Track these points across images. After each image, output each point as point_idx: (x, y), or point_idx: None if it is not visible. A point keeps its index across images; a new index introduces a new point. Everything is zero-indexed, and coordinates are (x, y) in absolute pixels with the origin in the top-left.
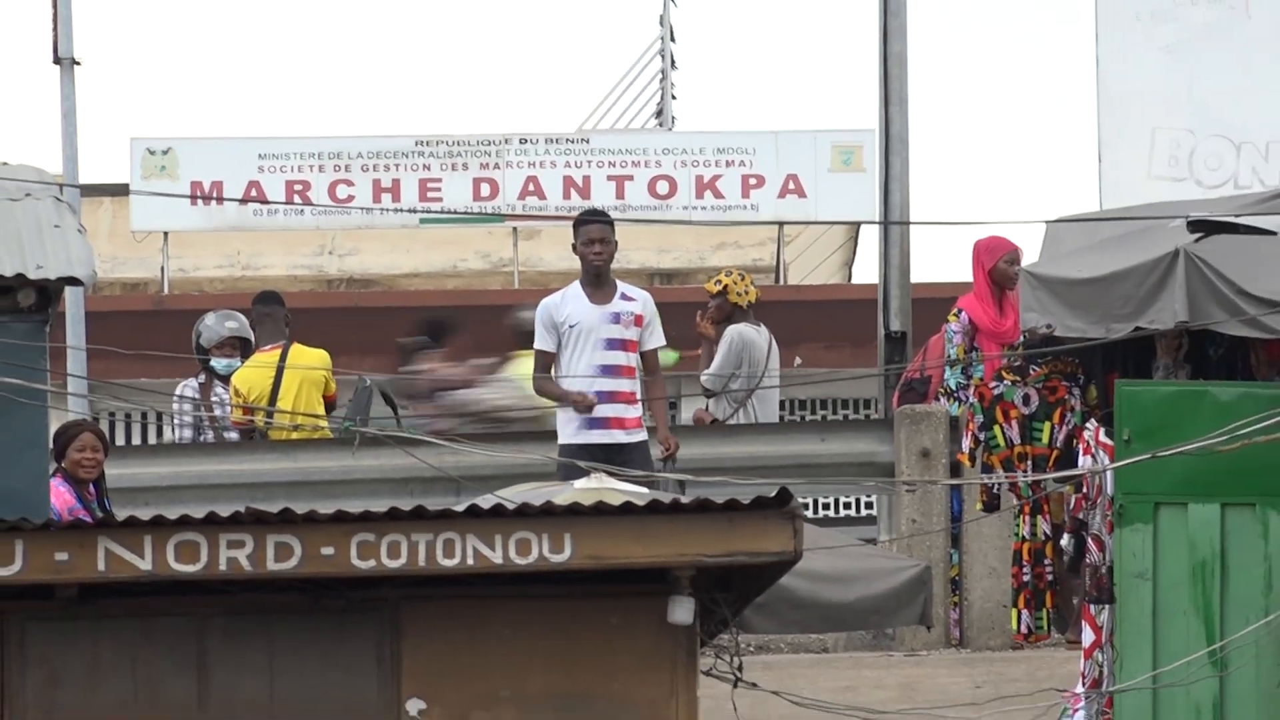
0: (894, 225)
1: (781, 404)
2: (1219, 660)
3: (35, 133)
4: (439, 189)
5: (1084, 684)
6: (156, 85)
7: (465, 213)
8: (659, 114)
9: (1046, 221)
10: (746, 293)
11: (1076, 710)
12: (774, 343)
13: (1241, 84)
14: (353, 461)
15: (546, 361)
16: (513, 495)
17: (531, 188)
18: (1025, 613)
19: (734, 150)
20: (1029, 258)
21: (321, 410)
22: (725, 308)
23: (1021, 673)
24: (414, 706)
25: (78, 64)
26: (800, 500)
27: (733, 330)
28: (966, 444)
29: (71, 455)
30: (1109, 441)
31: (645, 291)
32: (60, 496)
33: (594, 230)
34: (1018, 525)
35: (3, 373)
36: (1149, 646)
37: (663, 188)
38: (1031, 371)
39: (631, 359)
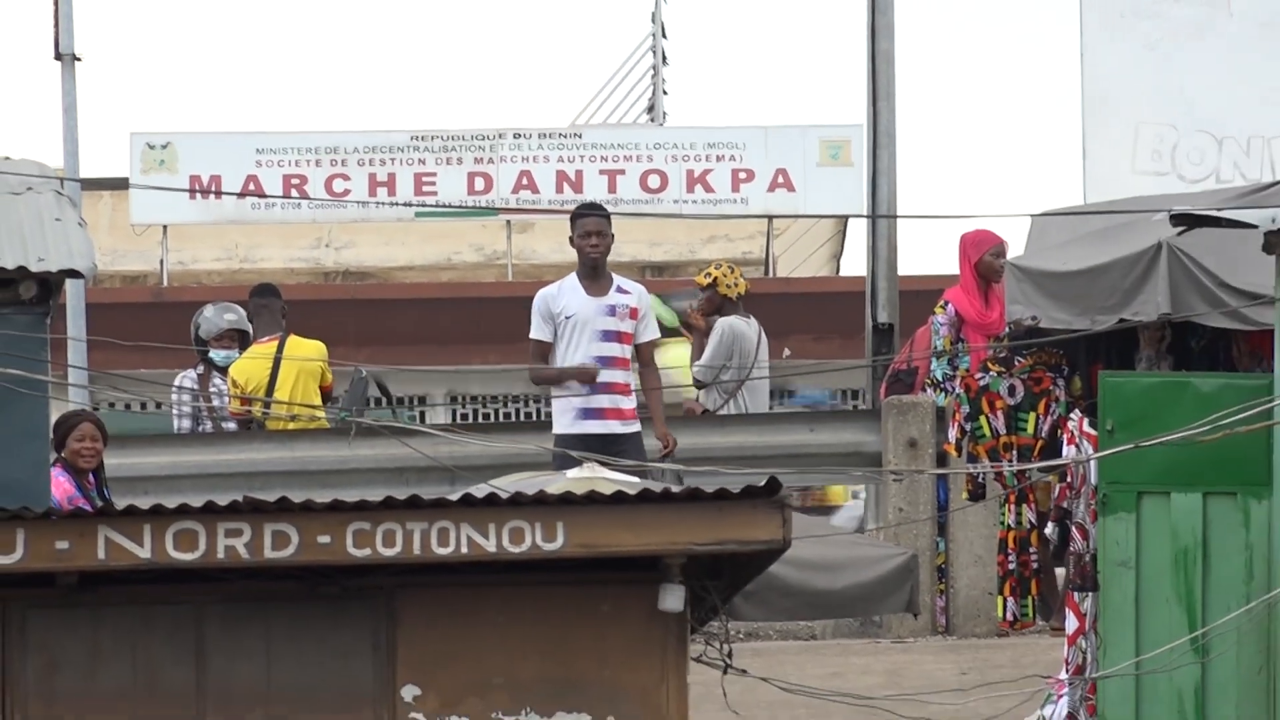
0: (881, 219)
1: (770, 395)
2: (1201, 647)
3: (36, 127)
4: (434, 183)
5: (1068, 670)
6: (156, 81)
7: (460, 206)
8: (650, 109)
9: (1032, 215)
10: (736, 285)
11: (1061, 696)
12: (763, 334)
13: (1223, 80)
14: (349, 451)
15: (543, 351)
16: (506, 485)
17: (525, 182)
18: (1011, 600)
19: (724, 145)
20: (1014, 251)
21: (318, 401)
22: (715, 300)
23: (1007, 659)
24: (409, 692)
25: (78, 60)
26: (788, 490)
27: (723, 322)
28: (953, 434)
29: (71, 445)
30: (1093, 431)
31: (640, 285)
32: (60, 486)
33: (590, 223)
34: (1003, 514)
35: (4, 363)
36: (1132, 633)
37: (654, 182)
38: (1016, 363)
39: (626, 351)
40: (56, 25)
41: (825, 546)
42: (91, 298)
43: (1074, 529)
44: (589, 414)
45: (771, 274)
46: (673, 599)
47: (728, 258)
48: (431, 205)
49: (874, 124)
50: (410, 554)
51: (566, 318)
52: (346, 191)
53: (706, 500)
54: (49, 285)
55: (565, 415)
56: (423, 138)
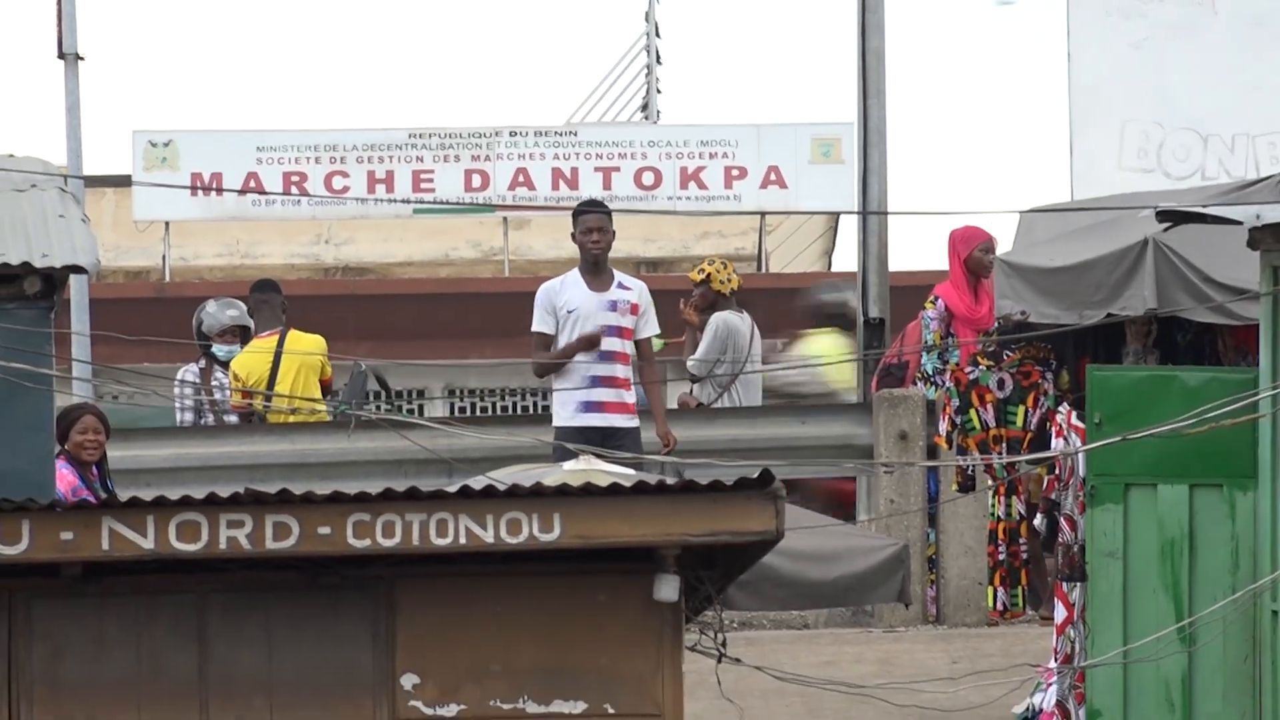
0: (872, 215)
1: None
2: (1187, 636)
3: (40, 126)
4: (431, 180)
5: (1057, 659)
6: (158, 80)
7: (457, 203)
8: (645, 108)
9: (1020, 212)
10: (729, 280)
11: (1050, 685)
12: (756, 329)
13: (1208, 79)
14: (349, 444)
15: (545, 343)
16: (504, 477)
17: (521, 179)
18: (1001, 590)
19: (717, 143)
20: (1003, 247)
21: (318, 394)
22: (709, 295)
23: (996, 648)
24: (408, 681)
25: (82, 59)
26: (781, 481)
27: (718, 317)
28: (943, 427)
29: (74, 438)
30: (1081, 424)
31: (641, 281)
32: (64, 478)
33: (592, 220)
34: (993, 505)
35: (9, 358)
36: (1120, 623)
37: (648, 179)
38: (1005, 357)
39: (627, 346)
40: (60, 25)
41: (818, 537)
42: (95, 293)
43: (1062, 520)
44: (590, 407)
45: (764, 270)
46: (668, 589)
47: (721, 254)
48: (429, 202)
49: (865, 122)
50: (409, 545)
51: (569, 312)
52: (346, 189)
53: (701, 492)
54: (53, 281)
55: (566, 408)
56: (421, 136)
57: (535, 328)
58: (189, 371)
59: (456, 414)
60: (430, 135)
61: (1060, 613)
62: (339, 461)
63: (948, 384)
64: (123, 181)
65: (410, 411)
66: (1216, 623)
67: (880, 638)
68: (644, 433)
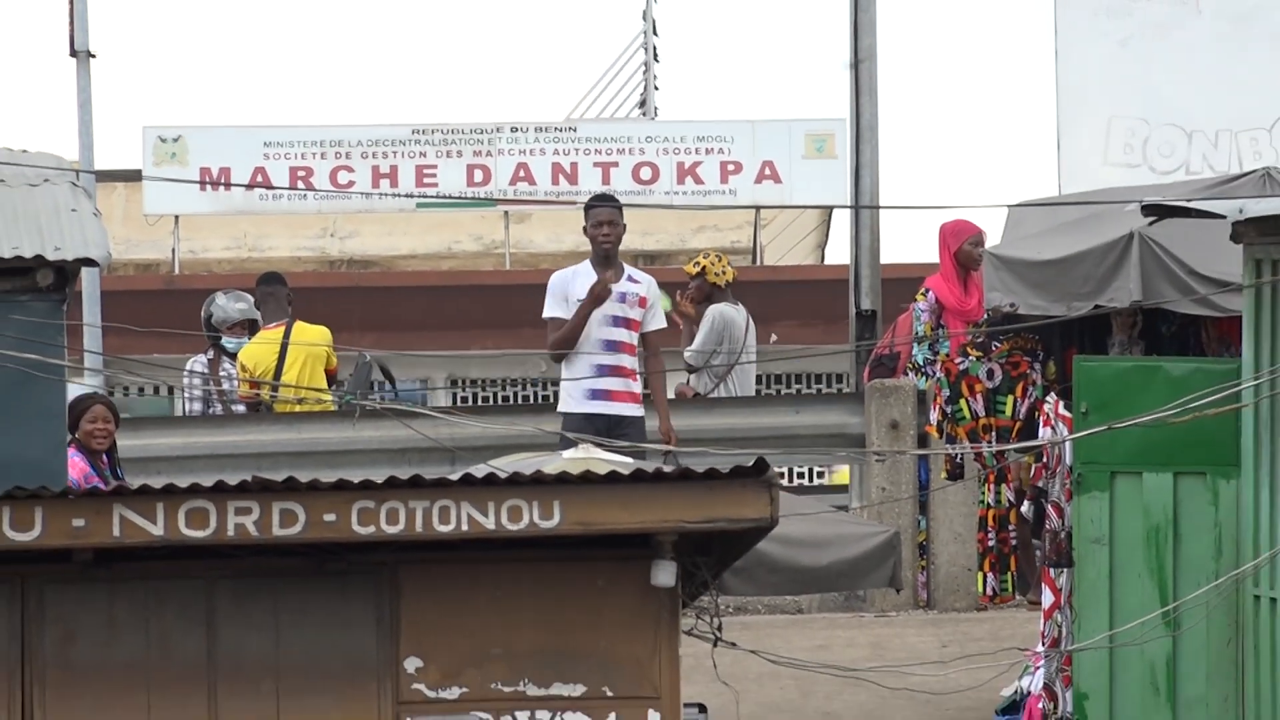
0: (864, 209)
1: (758, 378)
2: (1172, 620)
3: (53, 122)
4: (434, 175)
5: (1044, 643)
6: (168, 77)
7: (459, 197)
8: (642, 104)
9: (1009, 206)
10: (724, 273)
11: (1038, 668)
12: (751, 320)
13: (1192, 76)
14: (353, 433)
15: (558, 328)
16: (505, 465)
17: (522, 174)
18: (990, 576)
19: (713, 138)
20: (992, 240)
21: (324, 384)
22: (705, 288)
23: (985, 632)
24: (411, 664)
25: (93, 57)
26: (776, 469)
27: (714, 309)
28: (934, 416)
29: (84, 426)
30: (1068, 414)
31: (650, 276)
32: (76, 466)
33: (603, 213)
34: (983, 493)
35: (22, 349)
36: (1105, 607)
37: (646, 174)
38: (994, 347)
39: (633, 337)
40: (72, 23)
41: (811, 524)
42: (106, 285)
43: (1050, 507)
44: (596, 395)
45: (759, 262)
46: (665, 574)
47: (716, 247)
48: (432, 196)
49: (857, 118)
50: (413, 531)
51: (579, 301)
52: (351, 183)
53: (697, 480)
54: (65, 273)
55: (573, 395)
56: (424, 131)
57: (549, 314)
58: (197, 362)
59: (459, 403)
60: (433, 131)
61: (1048, 598)
62: (344, 450)
63: (938, 374)
64: (133, 176)
65: (414, 401)
66: (1200, 608)
67: (872, 622)
68: (648, 422)
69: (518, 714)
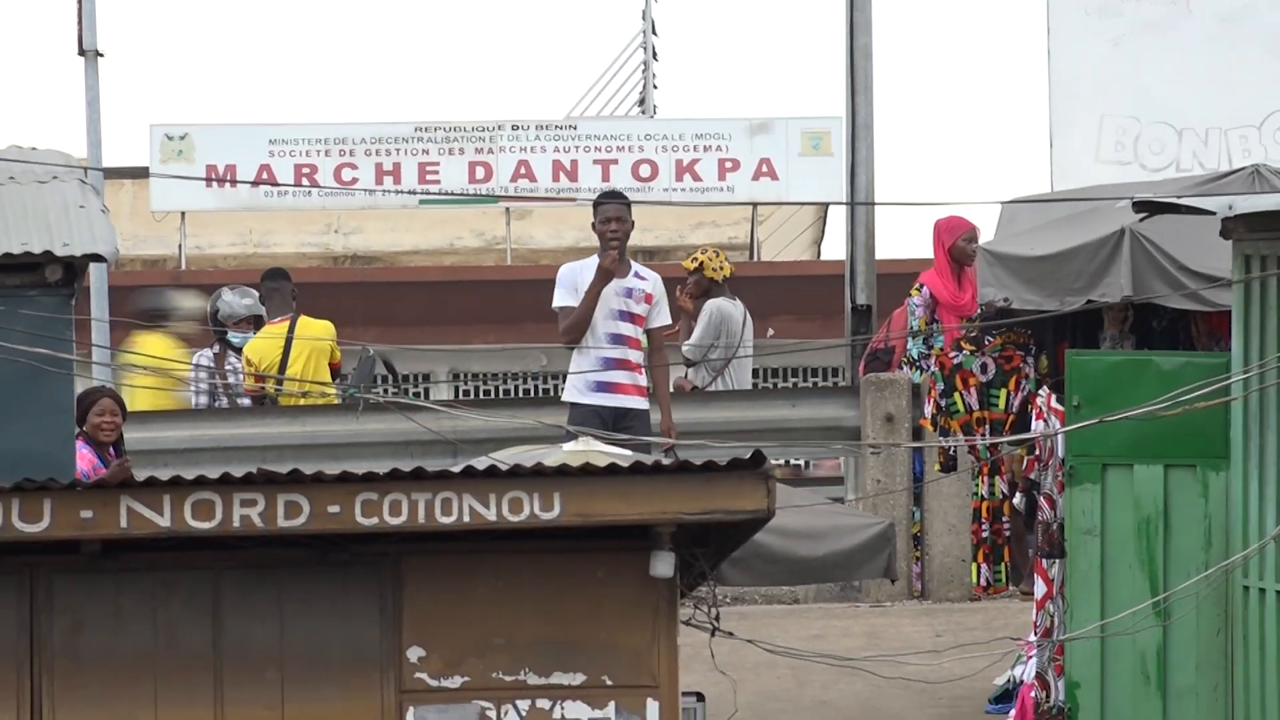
0: (860, 205)
1: (755, 372)
2: (1162, 611)
3: (61, 120)
4: (437, 172)
5: (1037, 633)
6: (174, 76)
7: (461, 194)
8: (641, 102)
9: (1002, 202)
10: (721, 268)
11: (1030, 657)
12: (748, 315)
13: (1183, 75)
14: (357, 426)
15: (569, 314)
16: (506, 457)
17: (523, 171)
18: (984, 567)
19: (711, 136)
20: (986, 236)
21: (328, 378)
22: (703, 283)
23: (979, 622)
24: (414, 653)
25: (101, 56)
26: (773, 462)
27: (711, 304)
28: (928, 409)
29: (92, 419)
30: (1060, 407)
31: (656, 274)
32: (84, 458)
33: (611, 209)
34: (976, 485)
35: (32, 343)
36: (1097, 598)
37: (645, 171)
38: (988, 342)
39: (638, 332)
40: (80, 23)
41: (807, 516)
42: (114, 280)
43: (1042, 499)
44: (603, 387)
45: (756, 258)
46: (663, 565)
47: (714, 243)
48: (435, 193)
49: (853, 116)
50: (415, 523)
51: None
52: (354, 180)
53: (695, 472)
54: (73, 268)
55: (580, 387)
56: (426, 129)
57: (560, 303)
58: (204, 356)
59: (460, 397)
60: (435, 129)
61: (1040, 588)
62: (348, 443)
63: (932, 368)
64: (140, 173)
65: (416, 395)
66: (1190, 598)
67: (867, 612)
68: (651, 416)
69: (518, 702)
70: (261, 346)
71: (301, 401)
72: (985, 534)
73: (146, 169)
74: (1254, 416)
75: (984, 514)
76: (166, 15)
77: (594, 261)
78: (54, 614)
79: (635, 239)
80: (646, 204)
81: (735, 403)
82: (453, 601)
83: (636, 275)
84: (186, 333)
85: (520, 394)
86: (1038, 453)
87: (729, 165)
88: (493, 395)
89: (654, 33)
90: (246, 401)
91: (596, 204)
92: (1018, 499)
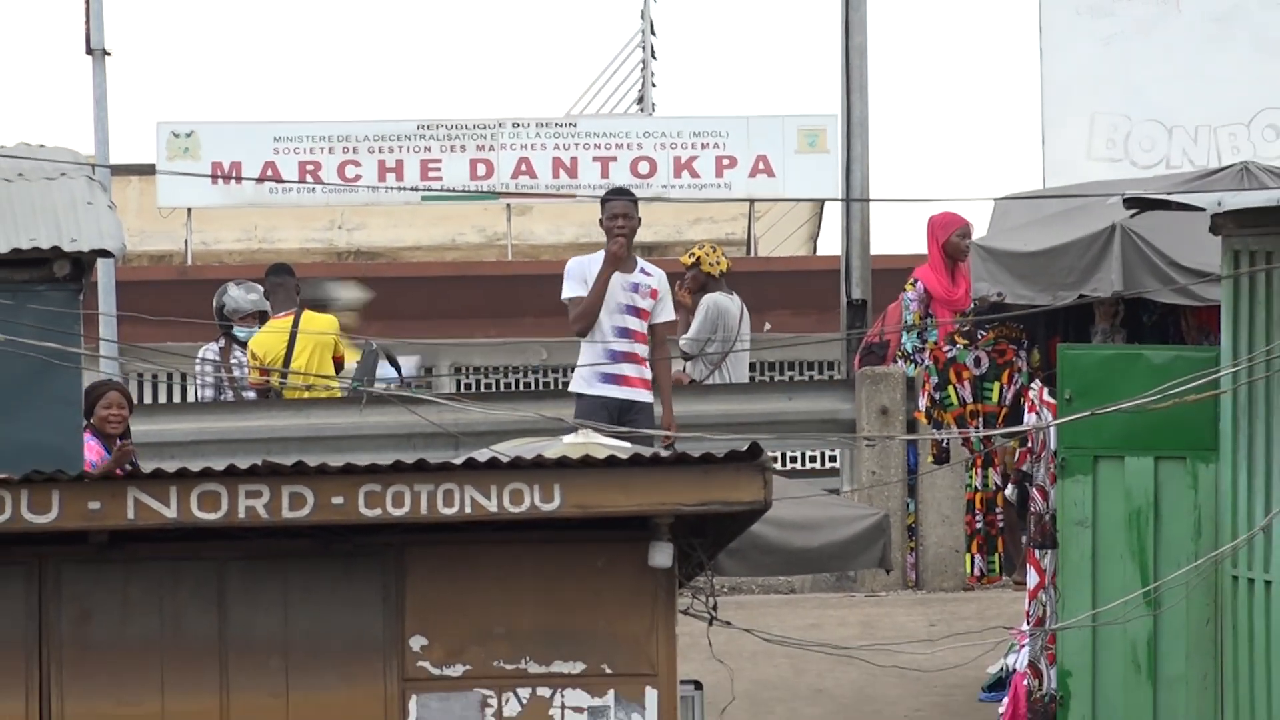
0: (855, 202)
1: (752, 366)
2: (1153, 600)
3: (69, 118)
4: (439, 169)
5: (1029, 622)
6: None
7: (463, 191)
8: (640, 100)
9: (995, 199)
10: (718, 263)
11: (1023, 646)
12: (745, 310)
13: (1173, 73)
14: (360, 418)
15: (579, 303)
16: (507, 449)
17: (524, 168)
18: (978, 557)
19: (709, 133)
20: (979, 232)
21: (331, 371)
22: (700, 278)
23: (972, 612)
24: (416, 642)
25: (108, 54)
26: (770, 454)
27: (708, 299)
28: (923, 402)
29: (99, 412)
30: (1052, 400)
31: (661, 270)
32: (92, 449)
33: (618, 206)
34: (970, 477)
35: (40, 337)
36: (1089, 588)
37: (644, 168)
38: (981, 336)
39: (644, 327)
40: (88, 22)
41: (803, 507)
42: (121, 275)
43: (1034, 491)
44: (610, 379)
45: (753, 253)
46: (662, 556)
47: (712, 238)
48: (437, 190)
49: (848, 114)
50: (418, 514)
51: None
52: (358, 177)
53: (693, 464)
54: (81, 264)
55: (587, 378)
56: (428, 127)
57: (569, 294)
58: (209, 350)
59: (462, 390)
60: (437, 126)
61: (1033, 578)
62: (351, 435)
63: (927, 362)
64: (147, 170)
65: (418, 388)
66: (1180, 588)
67: (862, 602)
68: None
69: (519, 690)
70: (266, 340)
71: (305, 395)
72: (979, 525)
73: (153, 166)
74: (1243, 409)
75: (977, 505)
76: (173, 14)
77: (601, 255)
78: (62, 603)
79: None
80: (645, 200)
81: (733, 396)
82: (455, 591)
83: (642, 271)
84: (347, 322)
85: (521, 387)
86: (1030, 445)
87: (726, 162)
88: (494, 388)
89: (652, 32)
90: (251, 395)
91: (604, 200)
92: (1010, 490)
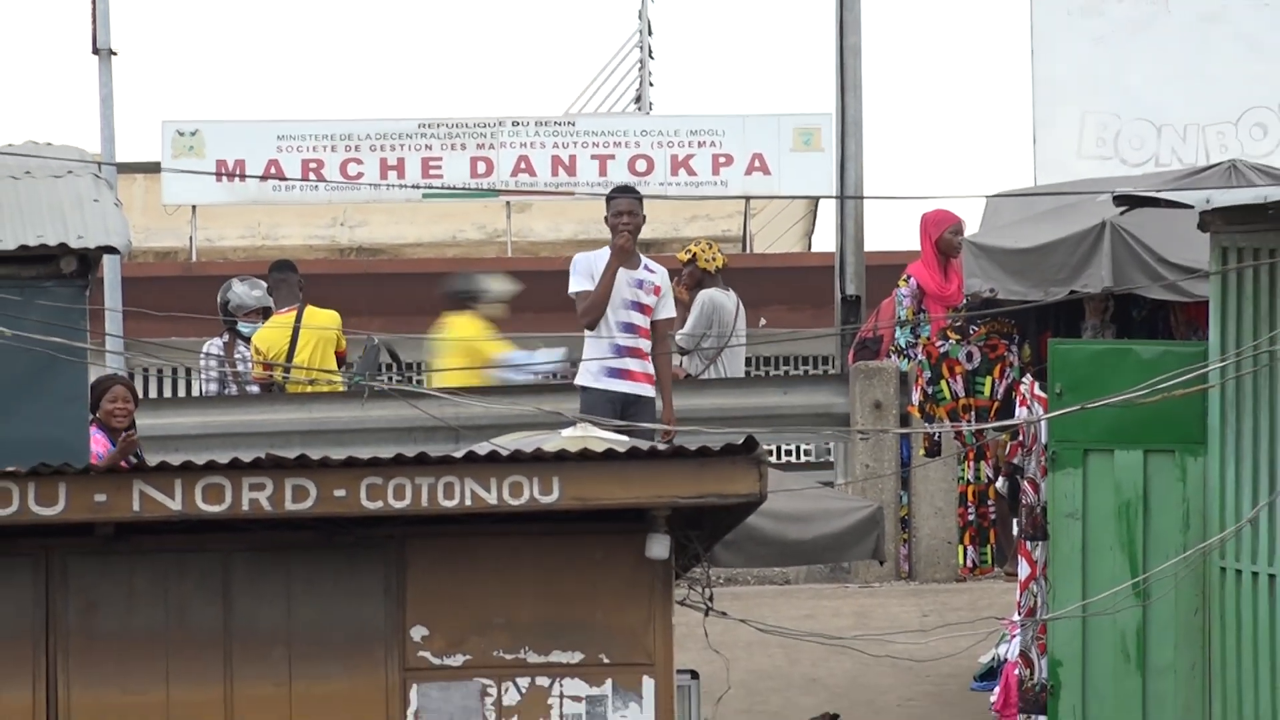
0: (849, 199)
1: (748, 360)
2: (1142, 591)
3: (76, 117)
4: (440, 167)
5: (1020, 612)
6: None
7: (463, 188)
8: (638, 99)
9: (987, 196)
10: (714, 260)
11: (1014, 636)
12: (741, 305)
13: (1162, 72)
14: (362, 412)
15: (586, 297)
16: (506, 443)
17: (523, 166)
18: (970, 548)
19: (705, 132)
20: (971, 229)
21: (334, 366)
22: (696, 274)
23: (964, 602)
24: (417, 632)
25: (114, 54)
26: (765, 447)
27: (704, 295)
28: (916, 397)
29: (105, 406)
30: (1043, 394)
31: (663, 267)
32: (98, 442)
33: (623, 204)
34: (962, 470)
35: (47, 332)
36: (1079, 579)
37: (641, 166)
38: (973, 331)
39: (646, 322)
40: (94, 22)
41: (798, 499)
42: (126, 272)
43: (1026, 483)
44: (615, 373)
45: (749, 250)
46: (659, 547)
47: (708, 235)
48: (437, 187)
49: (842, 113)
50: (418, 506)
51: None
52: (360, 175)
53: (690, 457)
54: (88, 260)
55: (593, 372)
56: (429, 126)
57: (577, 289)
58: (214, 345)
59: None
60: (438, 125)
61: (1024, 569)
62: (353, 429)
63: (919, 356)
64: (152, 168)
65: (419, 382)
66: (1169, 579)
67: (856, 593)
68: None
69: (518, 680)
70: (269, 335)
71: (308, 389)
72: (971, 517)
73: (158, 164)
74: (1230, 403)
75: (970, 498)
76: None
77: (606, 251)
78: (69, 594)
79: None
80: (643, 198)
81: (729, 390)
82: (455, 582)
83: (646, 268)
84: (497, 314)
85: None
86: (1021, 438)
87: (722, 160)
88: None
89: (650, 32)
90: (255, 389)
91: (609, 198)
92: (1001, 483)
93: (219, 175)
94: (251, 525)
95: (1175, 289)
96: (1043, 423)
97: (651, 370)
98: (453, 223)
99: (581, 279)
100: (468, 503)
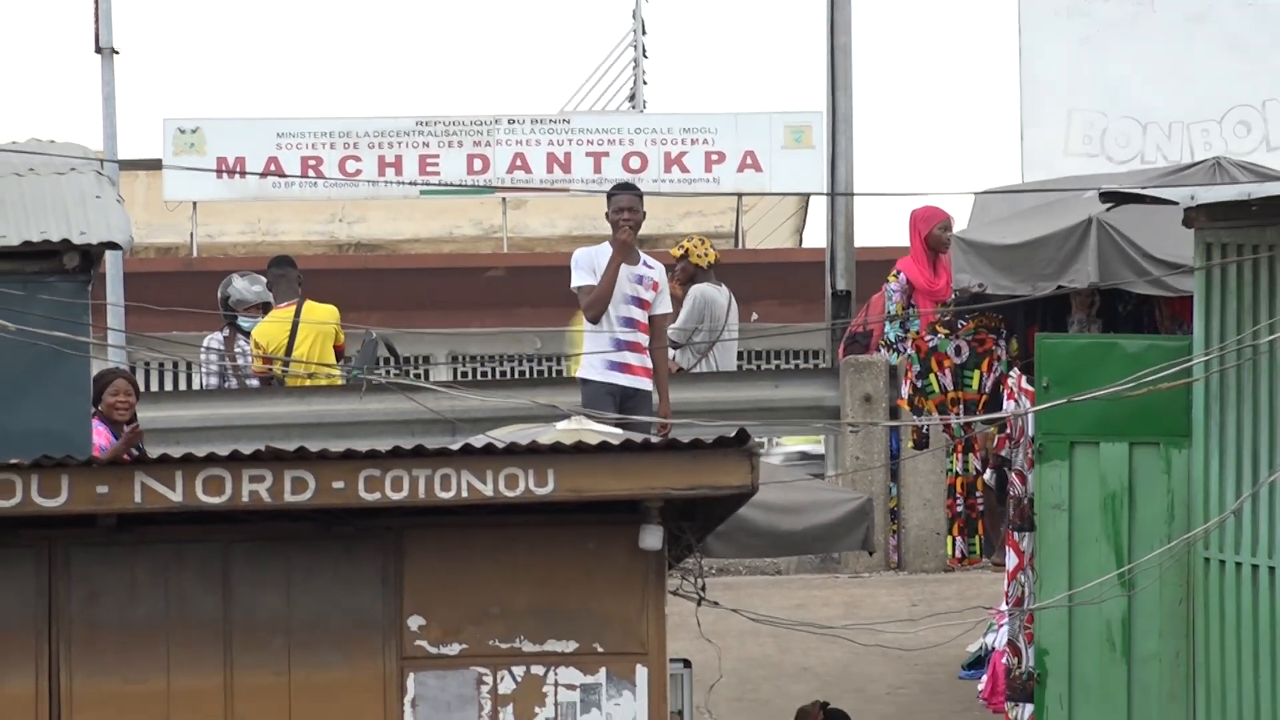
0: (840, 196)
1: (740, 354)
2: (1127, 581)
3: (78, 114)
4: (437, 164)
5: (1008, 602)
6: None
7: (460, 185)
8: (632, 98)
9: (975, 193)
10: (706, 255)
11: (1002, 626)
12: (733, 300)
13: (1147, 71)
14: (360, 405)
15: (590, 291)
16: (502, 435)
17: (519, 163)
18: (959, 539)
19: (698, 130)
20: (960, 225)
21: (332, 360)
22: (689, 269)
23: (952, 592)
24: (414, 622)
25: (116, 53)
26: (756, 440)
27: (696, 289)
28: (905, 390)
29: (107, 399)
30: (1030, 388)
31: (661, 264)
32: (100, 435)
33: (624, 200)
34: (951, 462)
35: (50, 327)
36: (1065, 569)
37: (635, 163)
38: (961, 325)
39: (645, 317)
40: (97, 21)
41: (789, 491)
42: (128, 267)
43: (1013, 475)
44: (615, 366)
45: (741, 246)
46: (652, 538)
47: (701, 231)
48: (434, 184)
49: (833, 111)
50: (416, 498)
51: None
52: (358, 171)
53: (682, 449)
54: (90, 256)
55: (594, 365)
56: (427, 123)
57: (580, 283)
58: (214, 339)
59: (459, 378)
60: (435, 123)
61: (1011, 560)
62: (351, 422)
63: (909, 351)
64: (154, 165)
65: (417, 376)
66: (1153, 569)
67: (846, 583)
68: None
69: (514, 669)
70: (269, 330)
71: (307, 382)
72: (959, 508)
73: (160, 161)
74: (1214, 397)
75: (958, 489)
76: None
77: (606, 247)
78: (71, 584)
79: None
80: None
81: (721, 384)
82: (451, 572)
83: (645, 264)
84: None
85: (516, 375)
86: (1009, 431)
87: (715, 157)
88: (490, 376)
89: (644, 32)
90: (255, 383)
91: (610, 195)
92: (989, 475)
93: (219, 172)
94: (251, 516)
95: (1160, 284)
96: (1030, 416)
97: (649, 364)
98: (449, 219)
99: (584, 274)
100: (464, 494)
